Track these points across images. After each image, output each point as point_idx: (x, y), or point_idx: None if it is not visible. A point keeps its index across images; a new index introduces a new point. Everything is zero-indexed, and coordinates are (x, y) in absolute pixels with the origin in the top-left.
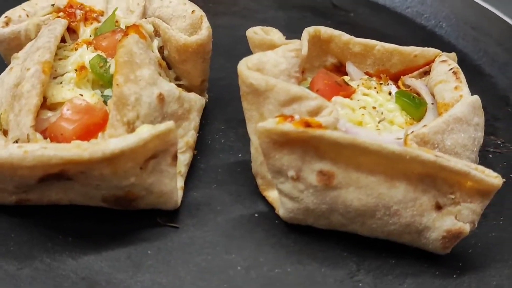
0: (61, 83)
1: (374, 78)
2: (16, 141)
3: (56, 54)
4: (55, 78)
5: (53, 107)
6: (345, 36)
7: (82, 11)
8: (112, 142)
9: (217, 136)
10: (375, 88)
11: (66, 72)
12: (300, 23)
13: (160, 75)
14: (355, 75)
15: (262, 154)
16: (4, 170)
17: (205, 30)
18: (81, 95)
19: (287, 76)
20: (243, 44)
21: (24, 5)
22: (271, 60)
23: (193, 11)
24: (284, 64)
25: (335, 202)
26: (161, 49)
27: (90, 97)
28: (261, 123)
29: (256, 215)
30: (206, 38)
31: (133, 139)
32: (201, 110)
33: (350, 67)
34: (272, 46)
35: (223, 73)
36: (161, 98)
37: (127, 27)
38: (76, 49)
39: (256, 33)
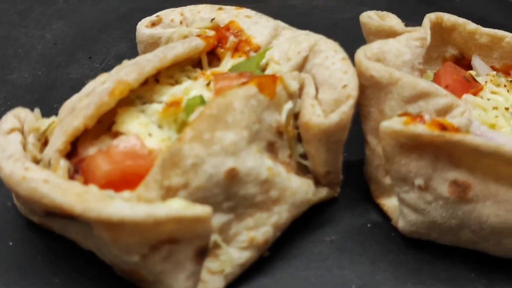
0: (142, 112)
1: (501, 74)
2: (38, 162)
3: (171, 76)
4: (144, 103)
5: (117, 135)
6: (471, 25)
7: (236, 39)
8: (114, 205)
9: None
10: (505, 86)
11: (157, 102)
12: (401, 9)
13: (274, 145)
14: (481, 70)
15: (385, 157)
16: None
17: (336, 115)
18: (149, 134)
19: (410, 68)
20: (341, 28)
21: (185, 9)
22: (393, 49)
23: (344, 86)
24: (408, 55)
25: (467, 217)
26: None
27: (160, 140)
28: (386, 122)
29: (369, 225)
30: (333, 125)
31: (141, 212)
32: (302, 207)
33: (476, 61)
34: (392, 34)
35: None
36: (232, 174)
37: (257, 76)
38: (195, 78)
39: (371, 18)
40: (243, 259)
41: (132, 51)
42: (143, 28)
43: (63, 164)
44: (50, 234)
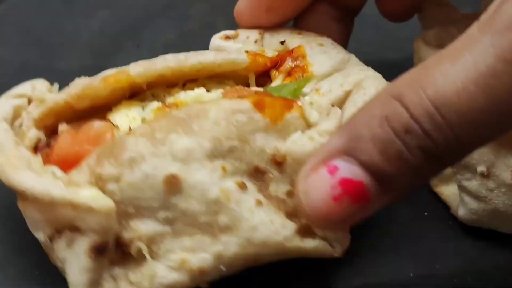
0: (142, 107)
1: None
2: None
3: (204, 85)
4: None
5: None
6: None
7: (293, 63)
8: (22, 174)
9: None
10: None
11: (162, 101)
12: None
13: (264, 174)
14: None
15: None
16: None
17: None
18: (129, 129)
19: None
20: None
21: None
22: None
23: None
24: None
25: None
26: None
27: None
28: None
29: (426, 213)
30: None
31: (40, 186)
32: (269, 249)
33: None
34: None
35: (371, 47)
36: (172, 181)
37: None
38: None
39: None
40: (169, 280)
41: (180, 40)
42: (216, 40)
43: (33, 133)
44: None
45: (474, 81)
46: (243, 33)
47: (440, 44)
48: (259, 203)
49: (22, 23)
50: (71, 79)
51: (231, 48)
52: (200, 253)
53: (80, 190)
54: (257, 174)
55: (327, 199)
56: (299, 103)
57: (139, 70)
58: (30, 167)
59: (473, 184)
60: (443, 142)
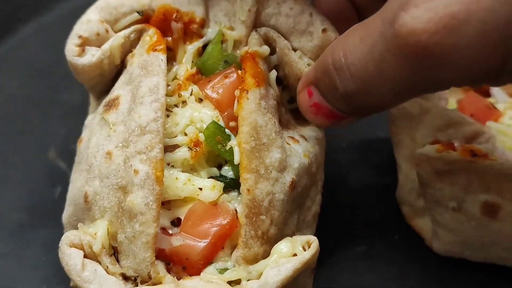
0: (172, 166)
1: None
2: (135, 279)
3: None
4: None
5: (167, 204)
6: None
7: (179, 24)
8: None
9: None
10: None
11: (176, 148)
12: None
13: (280, 118)
14: (500, 98)
15: (420, 182)
16: None
17: None
18: (200, 189)
19: (437, 98)
20: None
21: (100, 11)
22: None
23: (324, 30)
24: None
25: (498, 235)
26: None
27: (210, 188)
28: (421, 149)
29: (401, 244)
30: None
31: (274, 280)
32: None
33: (495, 89)
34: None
35: None
36: (293, 186)
37: (241, 68)
38: (179, 94)
39: None
40: (314, 231)
41: None
42: (77, 59)
43: (163, 271)
44: None
45: (372, 63)
46: (89, 34)
47: None
48: (293, 128)
49: (28, 57)
50: (75, 109)
51: (104, 55)
52: (316, 198)
53: (277, 251)
54: (279, 121)
55: (309, 114)
56: (250, 50)
57: (160, 147)
58: None
59: (445, 218)
60: (348, 88)
